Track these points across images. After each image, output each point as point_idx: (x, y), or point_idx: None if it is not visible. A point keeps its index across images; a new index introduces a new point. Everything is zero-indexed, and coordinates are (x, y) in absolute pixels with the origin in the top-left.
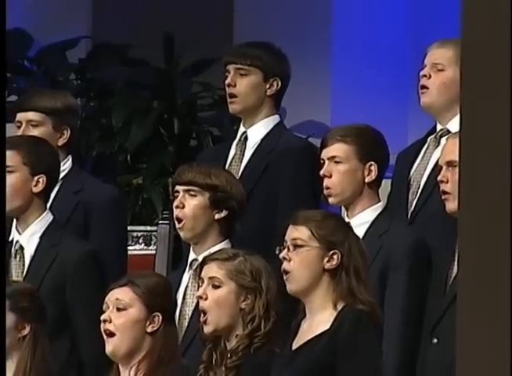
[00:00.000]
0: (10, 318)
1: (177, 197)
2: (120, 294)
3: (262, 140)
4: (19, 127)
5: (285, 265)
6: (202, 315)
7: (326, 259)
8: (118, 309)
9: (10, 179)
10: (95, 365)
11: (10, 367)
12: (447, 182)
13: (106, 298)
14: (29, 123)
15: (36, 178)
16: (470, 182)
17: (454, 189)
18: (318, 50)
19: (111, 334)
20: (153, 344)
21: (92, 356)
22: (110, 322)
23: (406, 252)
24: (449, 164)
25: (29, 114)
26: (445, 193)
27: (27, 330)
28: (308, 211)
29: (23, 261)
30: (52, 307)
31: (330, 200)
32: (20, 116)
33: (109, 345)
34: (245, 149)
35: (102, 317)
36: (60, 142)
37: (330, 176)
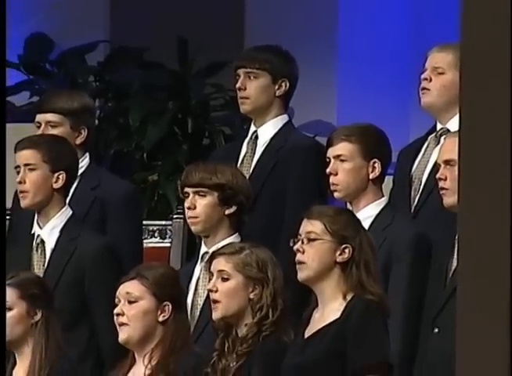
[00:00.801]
0: (21, 306)
1: (187, 197)
2: (130, 288)
3: (272, 139)
4: (38, 127)
5: (299, 257)
6: (212, 304)
7: (338, 252)
8: (129, 302)
9: (31, 177)
10: (113, 352)
11: (26, 354)
12: (445, 179)
13: (117, 292)
14: (48, 124)
15: (56, 174)
16: (469, 178)
17: (452, 186)
18: (324, 53)
19: (125, 324)
20: (164, 332)
21: (110, 344)
22: (123, 315)
23: (408, 245)
24: (447, 162)
25: (47, 116)
26: (443, 189)
27: (38, 316)
28: (321, 207)
29: (44, 254)
30: (72, 298)
31: (336, 194)
32: (39, 117)
33: (123, 334)
34: (256, 147)
35: (115, 311)
36: (78, 141)
37: (336, 174)
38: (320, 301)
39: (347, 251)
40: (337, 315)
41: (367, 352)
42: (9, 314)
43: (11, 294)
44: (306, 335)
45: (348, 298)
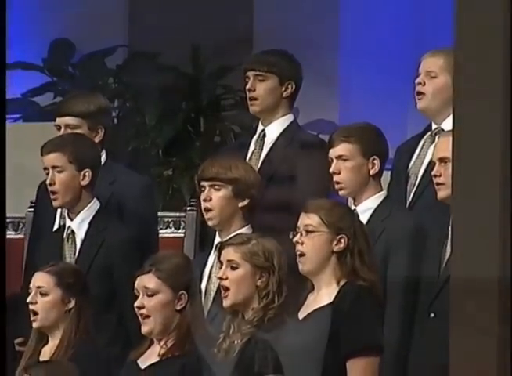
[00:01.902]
0: (57, 293)
1: (203, 190)
2: (147, 282)
3: (278, 137)
4: (58, 129)
5: (298, 248)
6: (223, 292)
7: (335, 243)
8: (148, 295)
9: (60, 178)
10: (138, 335)
11: (57, 336)
12: (440, 175)
13: (136, 284)
14: (67, 127)
15: (82, 172)
16: (461, 173)
17: (446, 181)
18: (328, 57)
19: (146, 317)
20: (181, 319)
21: (137, 329)
22: (144, 307)
23: (406, 234)
24: (441, 160)
25: (66, 119)
26: (438, 184)
27: (72, 304)
28: (317, 200)
29: (75, 244)
30: (101, 286)
31: (341, 193)
32: (59, 120)
33: (145, 327)
34: (263, 144)
35: (136, 305)
36: (96, 140)
37: (339, 173)
38: (316, 286)
39: (342, 240)
40: (330, 299)
41: (358, 335)
42: (44, 299)
43: (48, 281)
44: (300, 317)
45: (341, 283)
